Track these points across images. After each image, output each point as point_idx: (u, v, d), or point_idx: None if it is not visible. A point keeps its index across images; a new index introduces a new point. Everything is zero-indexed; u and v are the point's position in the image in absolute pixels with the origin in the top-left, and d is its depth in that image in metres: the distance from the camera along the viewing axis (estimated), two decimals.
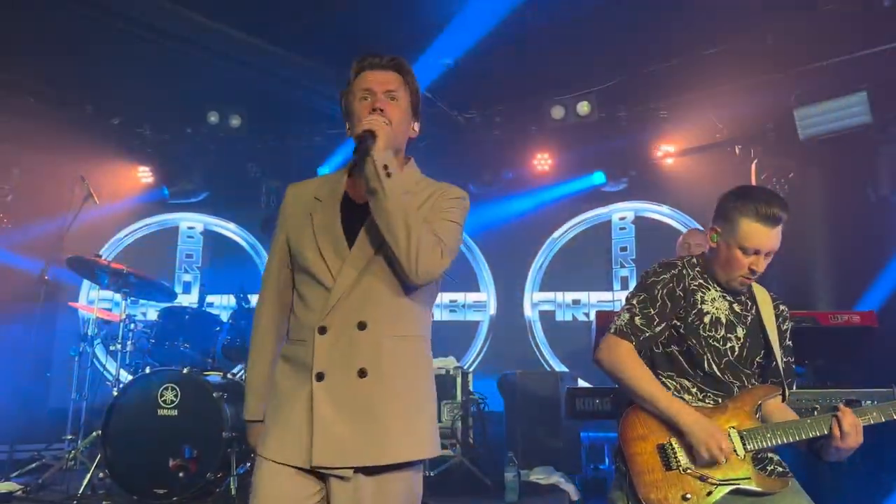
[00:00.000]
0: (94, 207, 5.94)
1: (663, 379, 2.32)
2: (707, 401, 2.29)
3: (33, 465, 4.74)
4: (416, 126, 2.02)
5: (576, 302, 6.91)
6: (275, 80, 6.20)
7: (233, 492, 3.99)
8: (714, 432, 2.13)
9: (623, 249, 6.92)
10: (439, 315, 7.02)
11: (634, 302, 2.36)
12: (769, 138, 5.93)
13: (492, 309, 7.09)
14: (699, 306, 2.33)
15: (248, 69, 5.95)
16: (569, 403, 3.70)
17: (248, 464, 4.40)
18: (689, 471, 2.13)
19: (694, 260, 2.45)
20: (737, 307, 2.37)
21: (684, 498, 2.09)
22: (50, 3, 5.04)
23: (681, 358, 2.32)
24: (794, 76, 5.48)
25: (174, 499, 3.98)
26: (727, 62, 5.57)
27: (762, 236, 2.25)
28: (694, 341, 2.30)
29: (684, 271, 2.40)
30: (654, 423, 2.20)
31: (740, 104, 6.00)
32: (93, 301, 5.76)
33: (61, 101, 6.42)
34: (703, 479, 2.12)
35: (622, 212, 6.98)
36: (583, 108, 6.54)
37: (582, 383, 6.02)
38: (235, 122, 6.87)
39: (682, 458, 2.15)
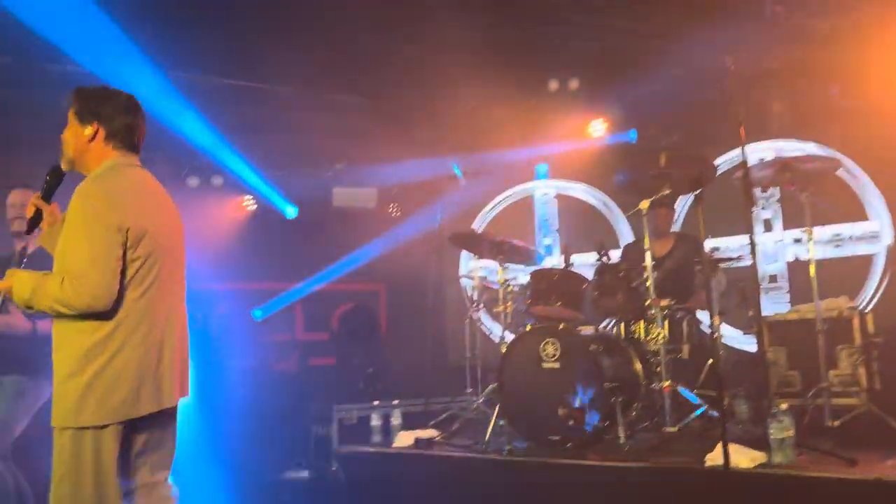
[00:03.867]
0: (463, 188, 6.68)
1: None
2: None
3: (444, 415, 5.47)
4: (89, 128, 2.52)
5: None
6: None
7: (621, 440, 4.11)
8: None
9: None
10: (822, 252, 6.18)
11: None
12: None
13: (887, 238, 6.09)
14: None
15: None
16: None
17: (634, 412, 4.48)
18: None
19: None
20: None
21: None
22: None
23: None
24: None
25: (568, 445, 4.25)
26: None
27: None
28: None
29: None
30: None
31: None
32: (473, 270, 6.40)
33: None
34: None
35: None
36: None
37: None
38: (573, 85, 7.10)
39: None
